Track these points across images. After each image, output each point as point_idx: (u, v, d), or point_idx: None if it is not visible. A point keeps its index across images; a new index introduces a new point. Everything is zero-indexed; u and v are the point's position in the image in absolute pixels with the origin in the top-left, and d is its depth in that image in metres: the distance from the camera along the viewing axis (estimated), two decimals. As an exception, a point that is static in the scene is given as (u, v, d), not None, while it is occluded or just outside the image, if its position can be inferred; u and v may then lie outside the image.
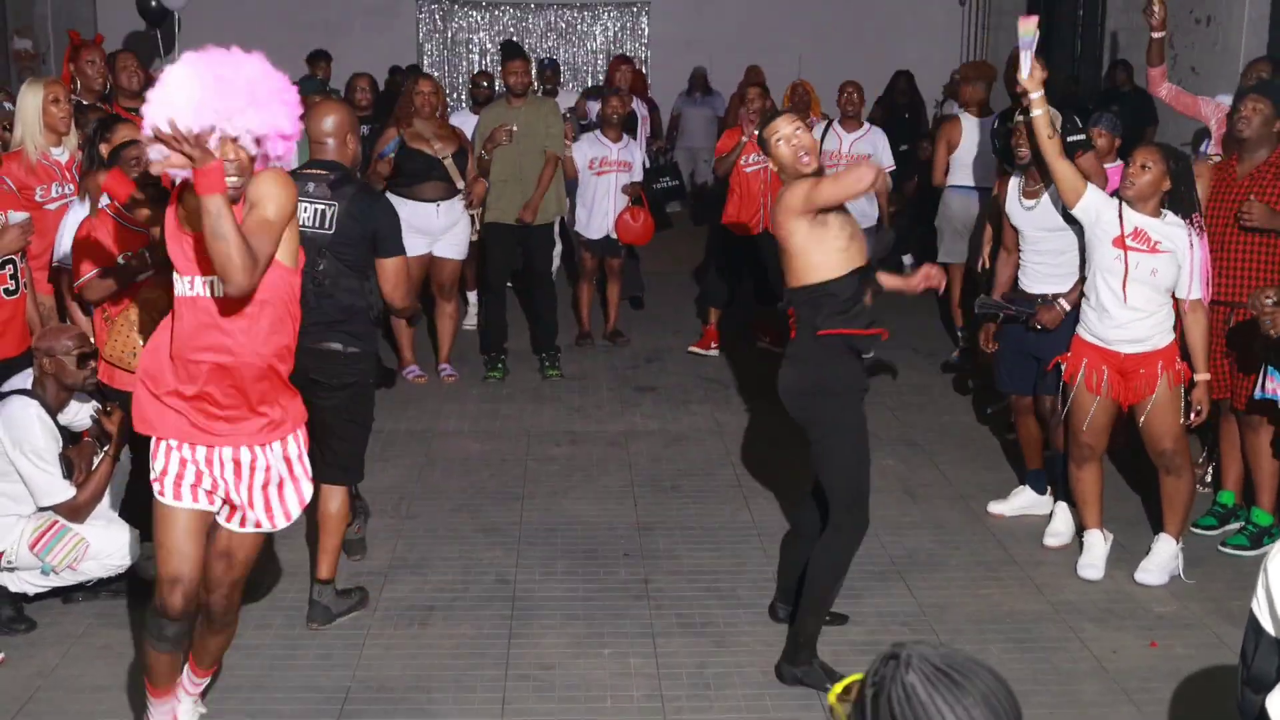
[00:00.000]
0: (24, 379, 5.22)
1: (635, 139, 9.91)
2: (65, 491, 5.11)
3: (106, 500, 5.28)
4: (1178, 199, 5.36)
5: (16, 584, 5.18)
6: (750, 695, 4.72)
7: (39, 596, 5.26)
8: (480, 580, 5.63)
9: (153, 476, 3.95)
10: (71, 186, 6.18)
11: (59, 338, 5.18)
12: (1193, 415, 5.47)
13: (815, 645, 4.79)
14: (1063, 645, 5.09)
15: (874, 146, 9.13)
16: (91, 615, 5.25)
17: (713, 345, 9.39)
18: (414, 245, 8.04)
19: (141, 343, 5.24)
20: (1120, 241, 5.35)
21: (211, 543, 4.05)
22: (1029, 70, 5.38)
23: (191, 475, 3.94)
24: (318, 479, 4.70)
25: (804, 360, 4.73)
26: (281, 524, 4.08)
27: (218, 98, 3.60)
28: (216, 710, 4.55)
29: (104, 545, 5.21)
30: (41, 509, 5.14)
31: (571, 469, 7.03)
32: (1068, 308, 5.82)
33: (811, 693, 4.69)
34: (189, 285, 3.82)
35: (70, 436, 5.30)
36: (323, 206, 5.05)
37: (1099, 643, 5.10)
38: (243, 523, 4.03)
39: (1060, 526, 6.00)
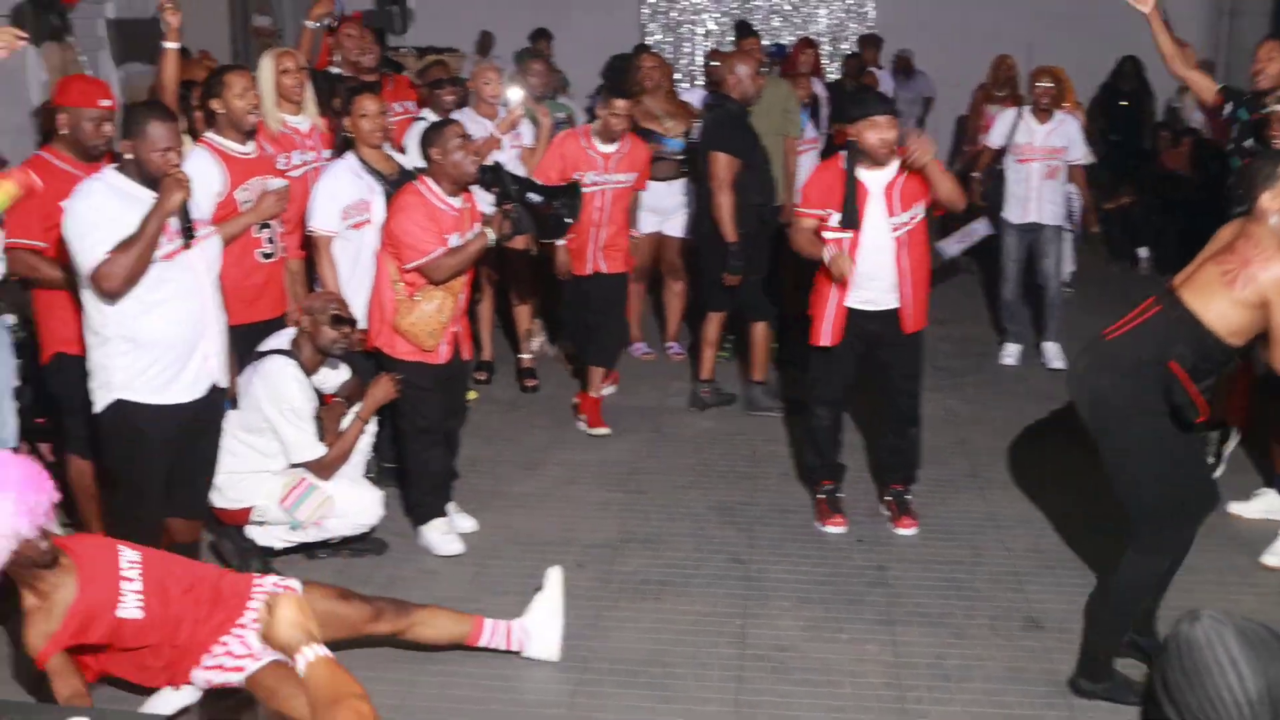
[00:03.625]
0: (283, 339, 5.36)
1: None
2: (317, 450, 5.25)
3: (354, 460, 5.41)
4: None
5: (265, 538, 5.35)
6: (993, 690, 4.58)
7: (285, 551, 5.41)
8: (713, 558, 5.59)
9: None
10: (314, 154, 6.30)
11: (321, 298, 5.33)
12: None
13: (1111, 661, 4.53)
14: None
15: (1067, 138, 8.35)
16: (331, 571, 5.36)
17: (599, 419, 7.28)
18: (645, 223, 8.04)
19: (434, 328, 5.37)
20: None
21: None
22: None
23: None
24: None
25: None
26: None
27: None
28: (436, 684, 4.61)
29: (350, 504, 5.33)
30: (293, 465, 5.29)
31: (801, 450, 6.91)
32: None
33: (1056, 689, 4.55)
34: None
35: (319, 398, 5.43)
36: None
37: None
38: None
39: None
